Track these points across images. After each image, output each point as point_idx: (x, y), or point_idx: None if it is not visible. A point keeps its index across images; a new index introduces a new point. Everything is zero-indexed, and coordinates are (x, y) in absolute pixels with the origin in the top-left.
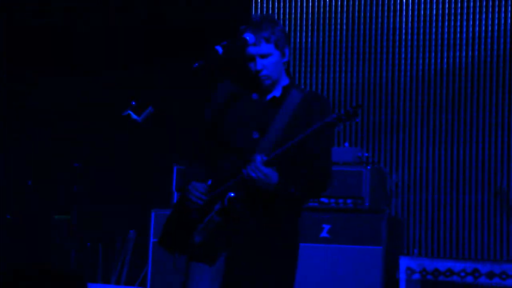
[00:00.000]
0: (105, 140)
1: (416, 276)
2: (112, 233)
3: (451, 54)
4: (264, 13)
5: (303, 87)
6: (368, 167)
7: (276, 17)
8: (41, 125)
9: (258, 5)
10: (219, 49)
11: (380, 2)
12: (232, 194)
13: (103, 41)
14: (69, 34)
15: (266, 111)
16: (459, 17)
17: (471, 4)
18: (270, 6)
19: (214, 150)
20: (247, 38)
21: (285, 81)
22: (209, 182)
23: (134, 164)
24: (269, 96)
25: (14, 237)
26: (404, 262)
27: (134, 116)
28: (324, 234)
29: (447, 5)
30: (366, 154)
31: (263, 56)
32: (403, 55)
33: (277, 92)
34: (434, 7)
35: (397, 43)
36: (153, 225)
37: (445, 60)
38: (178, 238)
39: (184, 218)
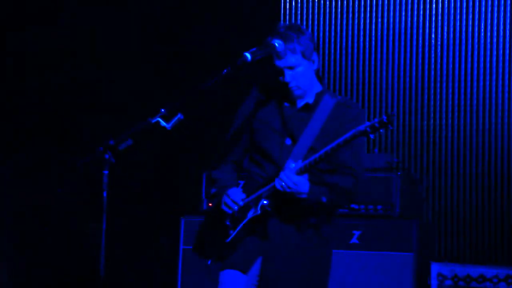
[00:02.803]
0: (135, 147)
1: (448, 282)
2: (143, 240)
3: (481, 58)
4: (292, 21)
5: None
6: (398, 173)
7: (303, 25)
8: (67, 134)
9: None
10: (248, 55)
11: (410, 5)
12: (266, 202)
13: (135, 46)
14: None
15: (299, 117)
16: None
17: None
18: (299, 12)
19: (246, 155)
20: (276, 44)
21: (318, 87)
22: (240, 185)
23: (164, 171)
24: (302, 103)
25: (44, 244)
26: (435, 268)
27: (163, 123)
28: (354, 240)
29: (478, 4)
30: (396, 160)
31: (290, 68)
32: (432, 60)
33: (310, 99)
34: (465, 5)
35: (426, 48)
36: (183, 232)
37: (476, 64)
38: (211, 245)
39: (217, 225)
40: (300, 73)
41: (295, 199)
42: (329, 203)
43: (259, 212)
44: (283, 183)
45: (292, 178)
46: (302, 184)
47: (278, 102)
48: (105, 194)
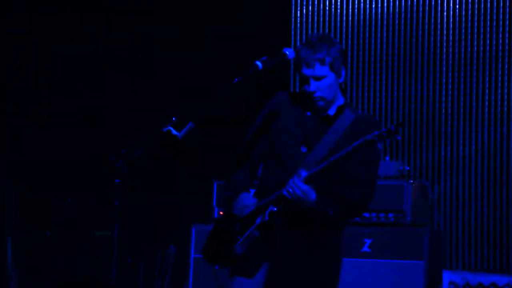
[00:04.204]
0: (146, 156)
1: None
2: (153, 248)
3: (493, 67)
4: (320, 32)
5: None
6: (410, 181)
7: (333, 36)
8: (78, 142)
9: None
10: (259, 64)
11: (421, 16)
12: (274, 209)
13: (148, 56)
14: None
15: (317, 127)
16: (500, 34)
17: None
18: (310, 20)
19: (261, 160)
20: (287, 52)
21: (340, 100)
22: (252, 192)
23: (175, 179)
24: (323, 114)
25: (55, 253)
26: (447, 276)
27: (174, 132)
28: (365, 248)
29: (488, 22)
30: (408, 168)
31: (317, 78)
32: (444, 68)
33: (331, 111)
34: (476, 19)
35: (438, 56)
36: (193, 241)
37: (487, 72)
38: (219, 250)
39: (225, 230)
40: (325, 84)
41: (300, 208)
42: (335, 215)
43: (267, 218)
44: (291, 190)
45: (301, 186)
46: (308, 193)
47: (300, 110)
48: (116, 203)
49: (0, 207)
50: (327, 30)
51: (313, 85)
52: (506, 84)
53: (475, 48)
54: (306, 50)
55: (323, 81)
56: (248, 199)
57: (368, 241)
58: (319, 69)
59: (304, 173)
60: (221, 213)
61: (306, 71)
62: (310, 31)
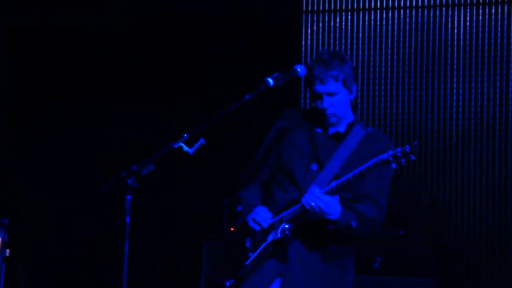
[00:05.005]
0: (156, 172)
1: None
2: (165, 265)
3: (504, 84)
4: (331, 49)
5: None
6: (421, 198)
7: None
8: (88, 155)
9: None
10: (270, 80)
11: (431, 32)
12: (287, 226)
13: (159, 71)
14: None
15: (327, 144)
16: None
17: None
18: (321, 37)
19: (270, 177)
20: (298, 69)
21: (350, 117)
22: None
23: (186, 196)
24: (333, 131)
25: (65, 268)
26: None
27: (185, 148)
28: (376, 265)
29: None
30: (419, 185)
31: (330, 94)
32: (454, 85)
33: (341, 128)
34: (486, 44)
35: (448, 73)
36: (204, 257)
37: (498, 89)
38: (231, 266)
39: (238, 247)
40: (338, 101)
41: (323, 221)
42: (356, 229)
43: (280, 235)
44: (313, 204)
45: (323, 198)
46: (333, 205)
47: (310, 127)
48: (128, 219)
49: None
50: (337, 47)
51: (326, 102)
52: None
53: (486, 65)
54: (319, 67)
55: (335, 98)
56: (265, 213)
57: (379, 259)
58: (333, 86)
59: (319, 189)
60: (232, 229)
61: (320, 88)
62: (320, 48)
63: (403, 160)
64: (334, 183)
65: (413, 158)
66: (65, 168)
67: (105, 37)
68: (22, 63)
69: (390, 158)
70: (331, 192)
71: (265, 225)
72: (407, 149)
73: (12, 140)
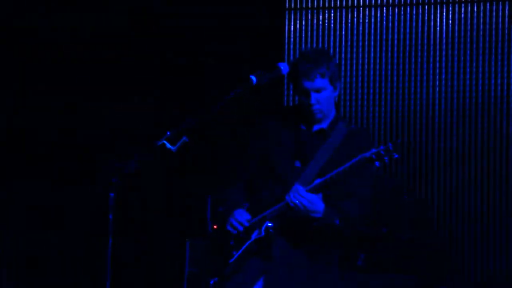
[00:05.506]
0: (140, 169)
1: None
2: (148, 263)
3: (486, 82)
4: (314, 46)
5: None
6: (405, 196)
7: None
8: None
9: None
10: (253, 78)
11: (414, 31)
12: (270, 224)
13: (143, 69)
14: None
15: (311, 141)
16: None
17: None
18: (303, 35)
19: (254, 175)
20: (281, 67)
21: (333, 114)
22: (246, 206)
23: (169, 194)
24: (316, 128)
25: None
26: None
27: (168, 145)
28: (359, 262)
29: (488, 35)
30: (402, 182)
31: (317, 91)
32: (437, 82)
33: (324, 124)
34: (469, 35)
35: (431, 70)
36: (188, 255)
37: (480, 87)
38: (215, 265)
39: (221, 245)
40: (324, 97)
41: (307, 220)
42: (340, 227)
43: (263, 234)
44: (297, 201)
45: (306, 195)
46: (317, 203)
47: (294, 124)
48: (111, 217)
49: None
50: (320, 45)
51: (313, 98)
52: (498, 94)
53: (468, 63)
54: (307, 63)
55: (322, 94)
56: (242, 216)
57: (362, 256)
58: (320, 82)
59: (302, 188)
60: (215, 226)
61: (307, 84)
62: (303, 46)
63: (386, 158)
64: (317, 181)
65: (396, 156)
66: (65, 168)
67: (105, 37)
68: (22, 63)
69: (373, 156)
70: (314, 190)
71: (241, 229)
72: (390, 147)
73: (12, 139)
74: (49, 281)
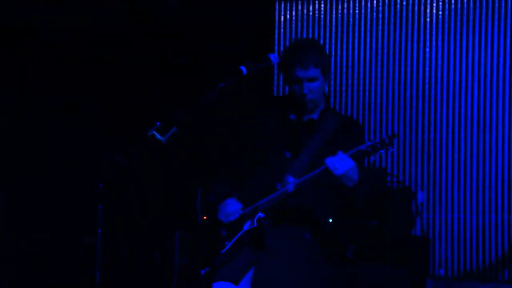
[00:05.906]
0: (129, 161)
1: None
2: (138, 254)
3: (476, 75)
4: (305, 37)
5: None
6: (395, 188)
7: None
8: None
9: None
10: (243, 69)
11: (404, 21)
12: (262, 215)
13: (143, 69)
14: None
15: (301, 132)
16: (489, 37)
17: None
18: (294, 26)
19: (244, 166)
20: (272, 58)
21: (322, 105)
22: (235, 196)
23: (159, 185)
24: (307, 118)
25: (40, 257)
26: (430, 284)
27: (158, 136)
28: (348, 254)
29: (477, 26)
30: (391, 174)
31: (310, 80)
32: (427, 74)
33: (314, 115)
34: (459, 22)
35: (421, 61)
36: (177, 246)
37: (470, 82)
38: (206, 255)
39: (213, 235)
40: (317, 87)
41: (343, 185)
42: (360, 201)
43: (256, 225)
44: (337, 166)
45: (348, 161)
46: (356, 170)
47: (284, 114)
48: (100, 207)
49: None
50: (310, 35)
51: (306, 87)
52: (488, 86)
53: (458, 52)
54: (299, 53)
55: (315, 84)
56: (234, 205)
57: (352, 247)
58: (313, 71)
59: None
60: (204, 218)
61: (300, 73)
62: (293, 36)
63: (382, 152)
64: (310, 174)
65: (391, 149)
66: (64, 167)
67: (105, 37)
68: (22, 63)
69: (369, 149)
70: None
71: (232, 219)
72: (386, 140)
73: (12, 139)
74: (49, 281)
